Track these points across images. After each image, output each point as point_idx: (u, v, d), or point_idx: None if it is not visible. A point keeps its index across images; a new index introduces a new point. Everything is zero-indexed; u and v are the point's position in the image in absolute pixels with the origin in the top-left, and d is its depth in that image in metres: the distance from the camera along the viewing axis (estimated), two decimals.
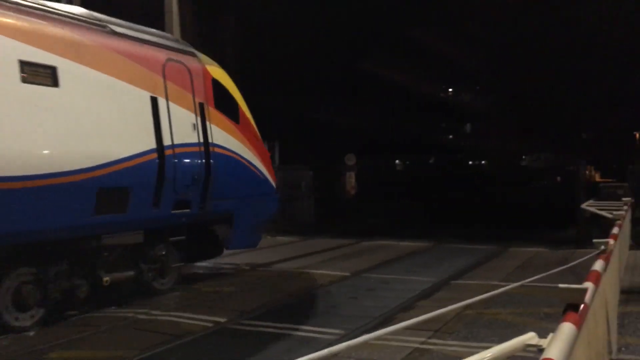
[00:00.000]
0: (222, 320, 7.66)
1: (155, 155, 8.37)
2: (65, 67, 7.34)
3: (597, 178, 45.52)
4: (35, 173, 6.66)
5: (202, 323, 7.49)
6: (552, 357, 2.25)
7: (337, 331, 7.18)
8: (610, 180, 26.96)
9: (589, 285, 3.70)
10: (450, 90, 33.87)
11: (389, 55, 24.95)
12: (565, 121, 37.51)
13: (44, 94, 7.08)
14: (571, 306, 3.10)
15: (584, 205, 12.37)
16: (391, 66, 25.24)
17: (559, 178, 25.58)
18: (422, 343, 6.40)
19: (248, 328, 7.36)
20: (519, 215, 21.31)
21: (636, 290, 8.71)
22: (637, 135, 37.51)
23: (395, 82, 24.43)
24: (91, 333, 7.02)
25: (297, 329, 7.23)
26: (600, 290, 4.77)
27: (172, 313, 7.96)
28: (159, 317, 7.75)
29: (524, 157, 28.90)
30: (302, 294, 9.51)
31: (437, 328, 6.98)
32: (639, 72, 20.22)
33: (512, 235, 17.07)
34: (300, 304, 8.89)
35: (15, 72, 6.75)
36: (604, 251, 5.38)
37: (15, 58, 6.80)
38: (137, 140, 8.17)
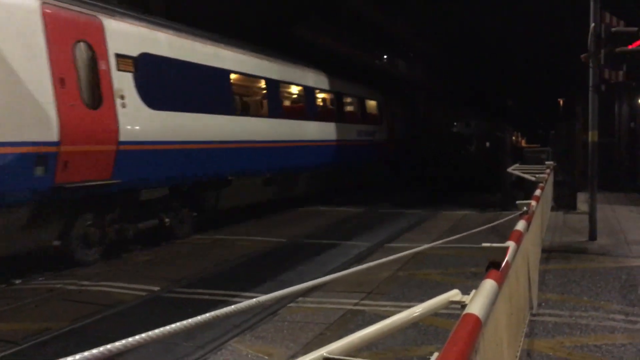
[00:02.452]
0: (156, 288, 7.57)
1: None
2: None
3: (523, 144, 47.43)
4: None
5: (134, 292, 7.38)
6: (473, 312, 2.35)
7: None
8: (535, 145, 28.14)
9: (510, 244, 3.87)
10: (385, 57, 34.12)
11: (324, 21, 24.82)
12: (493, 89, 38.69)
13: None
14: (493, 264, 3.24)
15: (509, 170, 12.87)
16: (325, 32, 25.13)
17: (487, 144, 26.44)
18: (355, 304, 6.56)
19: (183, 296, 7.31)
20: (450, 180, 22.01)
21: (556, 249, 9.21)
22: (561, 102, 39.21)
23: (330, 49, 24.35)
24: (18, 305, 6.79)
25: (233, 295, 7.25)
26: (522, 249, 5.01)
27: (102, 283, 7.78)
28: (89, 288, 7.57)
29: (455, 123, 29.63)
30: (238, 261, 9.50)
31: (370, 290, 7.16)
32: (563, 41, 21.03)
33: (443, 200, 17.64)
34: (236, 270, 8.89)
35: None
36: (526, 212, 5.64)
37: None
38: None
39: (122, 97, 9.35)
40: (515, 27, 26.92)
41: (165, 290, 7.53)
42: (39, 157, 7.88)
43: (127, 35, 9.67)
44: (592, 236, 9.71)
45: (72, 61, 8.54)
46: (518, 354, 4.67)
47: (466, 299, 2.71)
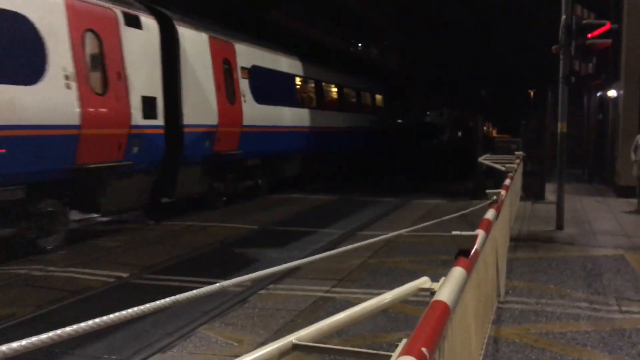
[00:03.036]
0: (124, 275, 7.47)
1: None
2: None
3: (494, 134, 47.96)
4: None
5: (102, 278, 7.27)
6: (442, 299, 2.36)
7: (244, 283, 7.20)
8: (506, 135, 28.51)
9: (479, 232, 3.90)
10: (359, 45, 34.10)
11: (299, 6, 24.65)
12: (467, 79, 39.00)
13: None
14: (462, 252, 3.26)
15: (480, 159, 13.01)
16: (300, 18, 24.96)
17: (460, 133, 26.66)
18: (326, 292, 6.57)
19: (152, 282, 7.23)
20: (422, 169, 22.16)
21: (524, 238, 9.36)
22: (532, 93, 39.70)
23: (305, 35, 24.25)
24: None
25: (202, 282, 7.18)
26: (491, 238, 5.06)
27: (69, 269, 7.65)
28: (56, 274, 7.43)
29: (428, 113, 29.79)
30: (208, 248, 9.44)
31: (341, 277, 7.18)
32: (536, 32, 21.28)
33: (415, 188, 17.77)
34: (206, 257, 8.83)
35: None
36: (495, 201, 5.70)
37: None
38: None
39: (244, 96, 14.34)
40: (489, 18, 27.16)
41: (134, 277, 7.44)
42: (208, 134, 12.65)
43: (245, 53, 14.63)
44: (559, 225, 9.89)
45: (222, 73, 13.35)
46: (485, 340, 4.74)
47: (435, 286, 2.72)
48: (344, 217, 12.49)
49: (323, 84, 20.22)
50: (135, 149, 10.26)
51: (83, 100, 9.02)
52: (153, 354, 4.86)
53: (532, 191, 13.59)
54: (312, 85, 19.51)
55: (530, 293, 6.28)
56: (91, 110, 9.19)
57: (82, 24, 9.17)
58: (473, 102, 40.08)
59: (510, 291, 6.34)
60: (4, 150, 7.72)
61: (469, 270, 3.04)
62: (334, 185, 18.79)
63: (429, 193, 16.37)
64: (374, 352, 1.89)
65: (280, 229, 11.17)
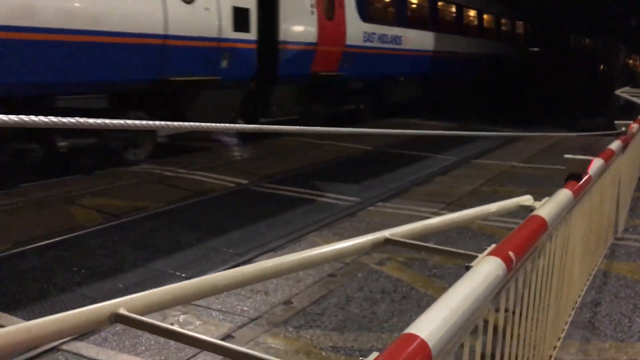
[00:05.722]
0: (244, 182, 7.98)
1: None
2: None
3: None
4: None
5: (224, 183, 7.83)
6: (540, 214, 2.36)
7: (354, 199, 7.46)
8: None
9: (597, 160, 3.74)
10: None
11: None
12: (614, 6, 35.24)
13: None
14: (573, 175, 3.17)
15: (618, 92, 12.00)
16: None
17: (602, 66, 24.39)
18: (433, 214, 6.62)
19: (269, 190, 7.68)
20: (556, 101, 20.90)
21: None
22: None
23: None
24: (120, 185, 7.43)
25: (316, 195, 7.52)
26: (612, 170, 4.81)
27: (196, 172, 8.29)
28: (185, 175, 8.11)
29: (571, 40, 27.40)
30: (323, 164, 9.75)
31: (450, 201, 7.18)
32: None
33: (539, 121, 16.84)
34: (320, 172, 9.15)
35: None
36: (624, 133, 5.35)
37: None
38: None
39: (348, 13, 13.16)
40: None
41: (252, 184, 7.93)
42: (306, 52, 11.96)
43: None
44: None
45: None
46: (593, 272, 4.62)
47: (537, 204, 2.71)
48: (459, 145, 12.25)
49: (441, 3, 18.38)
50: (225, 63, 9.73)
51: (166, 9, 8.54)
52: (265, 252, 5.25)
53: None
54: (429, 4, 17.71)
55: None
56: (175, 20, 8.67)
57: None
58: (621, 32, 36.36)
59: (630, 229, 6.02)
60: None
61: (576, 193, 2.97)
62: (455, 114, 18.29)
63: (555, 126, 15.48)
64: (462, 251, 1.97)
65: (395, 151, 11.22)
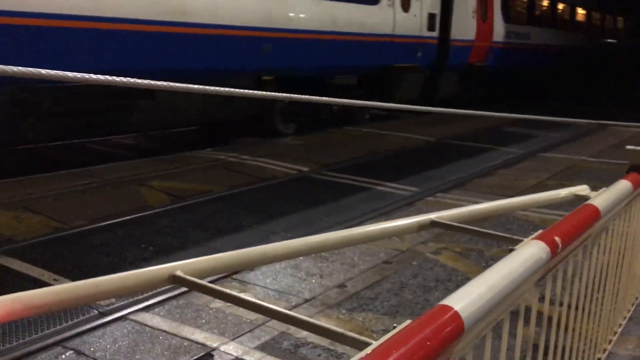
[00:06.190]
0: (305, 169, 8.13)
1: None
2: None
3: None
4: None
5: (286, 170, 8.00)
6: (593, 203, 2.34)
7: (413, 188, 7.46)
8: None
9: None
10: None
11: None
12: None
13: None
14: (635, 167, 3.10)
15: None
16: None
17: None
18: None
19: (329, 178, 7.79)
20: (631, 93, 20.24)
21: None
22: None
23: None
24: (186, 169, 7.73)
25: (376, 184, 7.57)
26: None
27: (259, 159, 8.51)
28: (248, 162, 8.34)
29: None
30: (384, 154, 9.77)
31: (512, 194, 7.05)
32: None
33: (617, 113, 16.12)
34: (381, 162, 9.18)
35: None
36: None
37: None
38: None
39: (495, 16, 16.19)
40: None
41: (313, 172, 8.06)
42: (467, 47, 15.11)
43: None
44: None
45: None
46: None
47: (593, 194, 2.67)
48: (527, 138, 11.94)
49: (562, 5, 21.77)
50: (420, 54, 13.26)
51: (395, 16, 12.23)
52: None
53: None
54: (550, 5, 21.08)
55: None
56: (398, 24, 12.32)
57: None
58: None
59: None
60: None
61: (636, 186, 2.91)
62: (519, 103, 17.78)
63: (632, 120, 14.77)
64: (507, 235, 2.00)
65: (457, 142, 11.08)
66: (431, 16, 13.37)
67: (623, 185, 2.74)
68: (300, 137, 10.87)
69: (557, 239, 1.87)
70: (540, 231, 1.95)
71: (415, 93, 13.38)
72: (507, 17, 17.04)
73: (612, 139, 11.86)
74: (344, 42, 10.98)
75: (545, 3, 20.37)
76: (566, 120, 7.52)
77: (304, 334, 3.51)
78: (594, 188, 2.88)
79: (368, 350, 1.15)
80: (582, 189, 2.71)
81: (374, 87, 12.35)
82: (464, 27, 14.80)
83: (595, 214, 2.28)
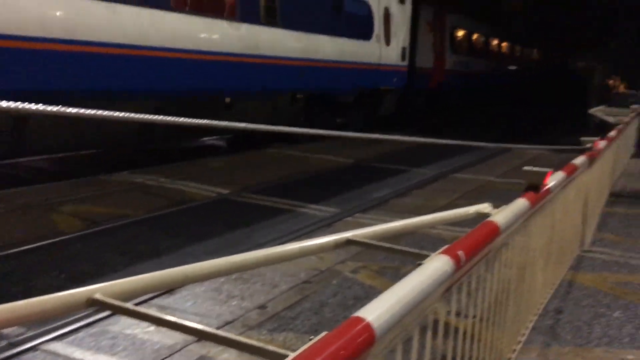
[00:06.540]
0: (225, 191, 8.11)
1: None
2: None
3: (622, 88, 44.42)
4: None
5: (205, 193, 7.95)
6: (493, 220, 2.54)
7: (332, 209, 7.61)
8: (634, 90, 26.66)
9: (558, 173, 3.95)
10: None
11: None
12: (597, 27, 36.05)
13: None
14: (532, 187, 3.36)
15: (591, 111, 12.36)
16: None
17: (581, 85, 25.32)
18: None
19: (249, 200, 7.81)
20: (537, 118, 21.98)
21: (626, 195, 8.97)
22: None
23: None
24: (102, 193, 7.52)
25: (296, 205, 7.67)
26: (578, 184, 5.03)
27: (178, 182, 8.40)
28: (166, 185, 8.21)
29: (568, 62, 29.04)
30: (305, 175, 9.91)
31: (425, 214, 7.34)
32: None
33: (523, 138, 17.18)
34: (301, 184, 9.30)
35: None
36: (589, 149, 5.59)
37: None
38: None
39: (447, 48, 21.24)
40: None
41: (234, 194, 8.06)
42: (428, 74, 19.64)
43: (451, 20, 21.81)
44: None
45: (438, 32, 20.67)
46: (558, 282, 4.82)
47: (494, 212, 2.89)
48: (438, 159, 12.48)
49: (492, 40, 27.34)
50: (395, 79, 16.52)
51: (381, 49, 15.58)
52: None
53: None
54: (484, 41, 26.35)
55: (617, 246, 6.15)
56: (383, 55, 15.69)
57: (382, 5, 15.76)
58: (602, 54, 37.22)
59: (597, 242, 6.25)
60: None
61: (533, 203, 3.15)
62: (433, 127, 18.61)
63: (534, 143, 15.80)
64: (416, 251, 2.14)
65: (375, 165, 11.42)
66: (404, 49, 16.97)
67: (521, 203, 2.97)
68: (221, 159, 10.83)
69: (460, 253, 2.02)
70: (445, 246, 2.10)
71: (393, 109, 17.02)
72: (454, 49, 21.83)
73: (517, 161, 12.63)
74: (349, 69, 14.29)
75: (480, 38, 25.49)
76: (471, 143, 7.95)
77: (224, 356, 3.52)
78: (497, 206, 3.10)
79: None
80: (485, 207, 2.92)
81: (366, 104, 15.58)
82: (425, 57, 19.08)
83: (495, 229, 2.47)
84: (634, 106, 11.70)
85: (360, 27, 14.53)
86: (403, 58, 16.93)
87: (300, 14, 12.27)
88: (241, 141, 12.30)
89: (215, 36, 9.81)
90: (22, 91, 6.34)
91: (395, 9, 16.19)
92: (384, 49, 15.65)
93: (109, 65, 7.86)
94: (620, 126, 8.42)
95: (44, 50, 6.88)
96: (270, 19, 11.26)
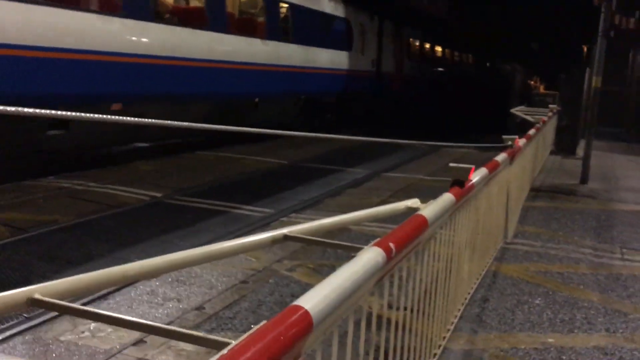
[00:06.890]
0: (158, 195, 8.00)
1: None
2: None
3: (542, 89, 46.77)
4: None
5: (137, 196, 7.81)
6: (422, 214, 2.68)
7: (268, 210, 7.67)
8: (554, 91, 28.16)
9: (481, 169, 4.17)
10: None
11: None
12: (517, 30, 37.71)
13: None
14: (457, 182, 3.55)
15: (513, 110, 13.00)
16: None
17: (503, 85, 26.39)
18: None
19: (183, 203, 7.74)
20: (464, 119, 22.51)
21: (545, 189, 9.51)
22: (585, 48, 38.18)
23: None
24: (28, 199, 7.24)
25: (231, 207, 7.66)
26: (500, 180, 5.32)
27: (108, 186, 8.21)
28: (96, 189, 8.01)
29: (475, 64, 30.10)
30: (238, 177, 9.90)
31: None
32: None
33: (450, 138, 17.80)
34: (235, 185, 9.30)
35: None
36: (510, 146, 5.92)
37: None
38: None
39: (404, 56, 23.56)
40: None
41: (167, 197, 7.96)
42: (392, 78, 21.91)
43: (405, 32, 23.97)
44: (584, 179, 9.98)
45: (399, 45, 22.90)
46: (484, 272, 5.08)
47: (423, 207, 3.04)
48: (371, 159, 12.77)
49: (436, 46, 29.60)
50: (367, 83, 19.43)
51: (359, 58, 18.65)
52: None
53: (563, 146, 13.55)
54: (430, 48, 28.50)
55: (538, 237, 6.54)
56: (359, 63, 18.63)
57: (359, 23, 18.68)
58: (523, 55, 39.02)
59: (519, 234, 6.61)
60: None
61: (458, 198, 3.34)
62: (370, 127, 18.98)
63: (461, 142, 16.40)
64: (350, 244, 2.24)
65: (310, 165, 11.55)
66: (374, 59, 20.05)
67: (447, 197, 3.15)
68: (152, 162, 10.64)
69: (391, 244, 2.14)
70: (377, 239, 2.22)
71: (363, 110, 19.50)
72: (409, 56, 24.37)
73: (446, 159, 13.09)
74: (337, 75, 17.28)
75: (427, 45, 28.14)
76: (400, 141, 8.21)
77: (162, 358, 3.51)
78: (425, 202, 3.26)
79: (227, 349, 1.28)
80: (414, 202, 3.08)
81: (346, 106, 18.16)
82: (390, 63, 21.51)
83: (424, 222, 2.61)
84: (552, 106, 12.42)
85: (345, 41, 17.77)
86: (373, 65, 20.15)
87: (305, 32, 15.34)
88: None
89: (253, 51, 13.11)
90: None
91: (367, 25, 19.53)
92: (361, 58, 18.88)
93: (192, 75, 11.12)
94: (539, 125, 8.92)
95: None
96: (286, 37, 14.45)
